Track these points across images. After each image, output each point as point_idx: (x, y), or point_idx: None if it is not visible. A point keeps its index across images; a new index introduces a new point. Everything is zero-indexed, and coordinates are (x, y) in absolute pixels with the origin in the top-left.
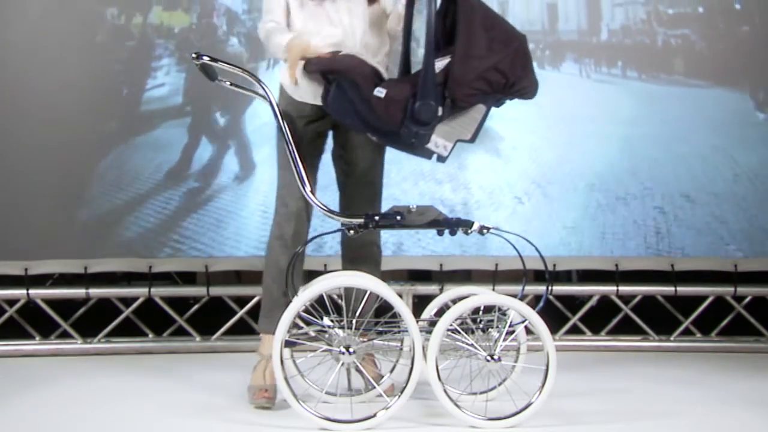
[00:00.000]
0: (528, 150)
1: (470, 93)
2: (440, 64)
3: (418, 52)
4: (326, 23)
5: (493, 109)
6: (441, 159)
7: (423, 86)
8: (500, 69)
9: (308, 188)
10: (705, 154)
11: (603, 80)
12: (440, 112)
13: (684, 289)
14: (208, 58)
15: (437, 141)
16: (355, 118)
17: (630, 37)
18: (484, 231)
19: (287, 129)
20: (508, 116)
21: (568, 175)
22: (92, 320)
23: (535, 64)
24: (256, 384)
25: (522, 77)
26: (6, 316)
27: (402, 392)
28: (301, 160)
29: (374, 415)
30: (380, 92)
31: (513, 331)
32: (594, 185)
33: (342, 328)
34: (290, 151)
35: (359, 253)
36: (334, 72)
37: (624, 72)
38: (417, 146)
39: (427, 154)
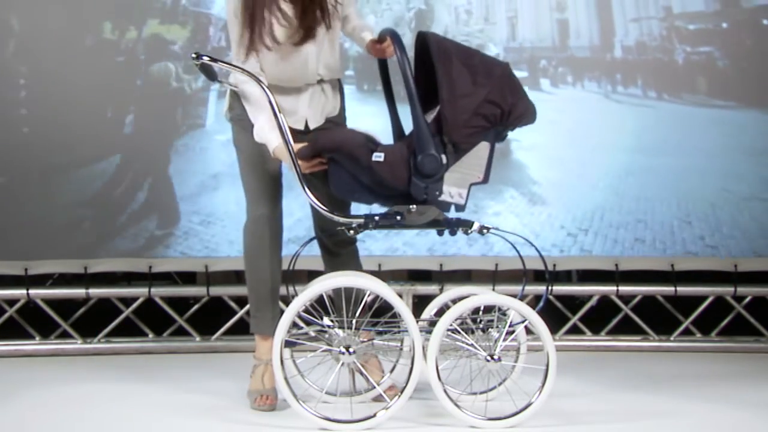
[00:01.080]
0: (555, 187)
1: (469, 133)
2: (432, 115)
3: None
4: (293, 62)
5: (514, 138)
6: (459, 208)
7: (418, 139)
8: (492, 100)
9: (307, 189)
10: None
11: (624, 101)
12: (444, 160)
13: (684, 289)
14: (207, 59)
15: (450, 191)
16: (363, 191)
17: (647, 54)
18: (484, 231)
19: (286, 127)
20: (525, 144)
21: (609, 226)
22: (92, 320)
23: (548, 82)
24: (256, 389)
25: (516, 103)
26: (6, 316)
27: (402, 392)
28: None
29: (374, 415)
30: (379, 156)
31: (513, 331)
32: (645, 241)
33: (342, 328)
34: (290, 150)
35: (340, 254)
36: (327, 150)
37: (644, 92)
38: (431, 201)
39: (445, 207)
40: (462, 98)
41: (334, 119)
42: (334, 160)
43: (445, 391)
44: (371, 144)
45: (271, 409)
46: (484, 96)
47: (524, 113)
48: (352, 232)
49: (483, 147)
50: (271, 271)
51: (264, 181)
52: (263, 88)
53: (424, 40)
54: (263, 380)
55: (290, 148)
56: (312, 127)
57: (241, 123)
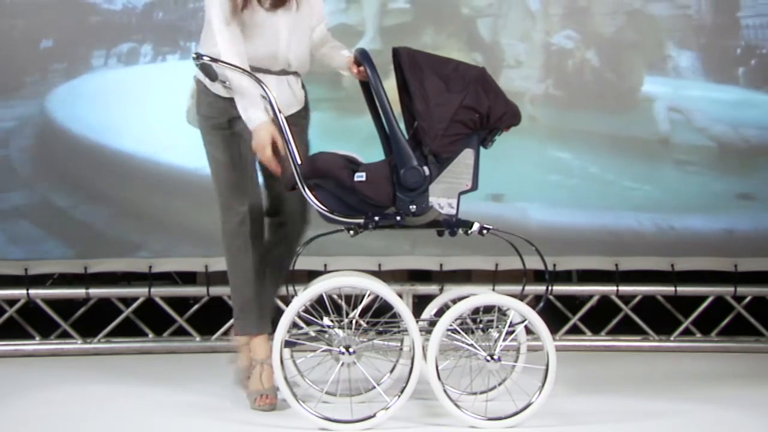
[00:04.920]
0: None
1: (449, 141)
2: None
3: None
4: (265, 37)
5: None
6: (451, 218)
7: (398, 153)
8: (468, 106)
9: (308, 189)
10: None
11: None
12: (427, 172)
13: (684, 289)
14: (208, 58)
15: (440, 202)
16: (350, 211)
17: None
18: (484, 231)
19: (286, 125)
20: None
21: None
22: (92, 320)
23: None
24: (255, 389)
25: (494, 106)
26: (6, 316)
27: (402, 392)
28: (243, 160)
29: (374, 415)
30: (360, 176)
31: (513, 331)
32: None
33: (342, 328)
34: (288, 146)
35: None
36: (309, 177)
37: None
38: (418, 213)
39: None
40: (437, 107)
41: (301, 112)
42: (319, 186)
43: (445, 391)
44: (352, 165)
45: (271, 409)
46: (460, 102)
47: (505, 114)
48: (351, 232)
49: (467, 154)
50: (255, 271)
51: (240, 179)
52: (262, 87)
53: (397, 56)
54: (261, 380)
55: (291, 151)
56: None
57: (210, 121)
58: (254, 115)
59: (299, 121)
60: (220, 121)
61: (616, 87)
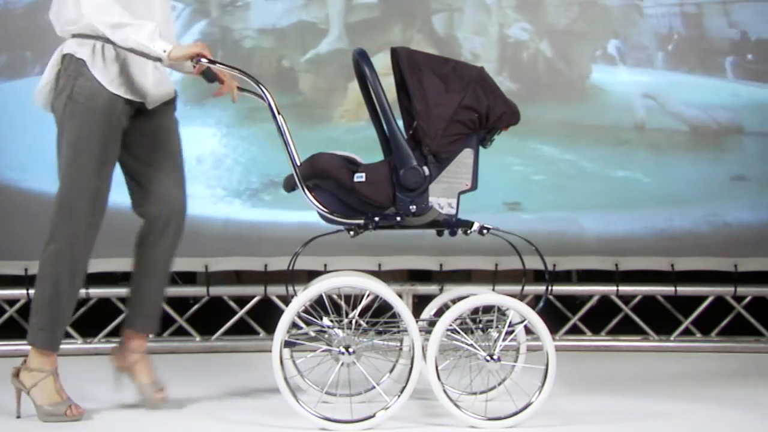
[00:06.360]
0: None
1: (449, 141)
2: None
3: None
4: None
5: None
6: (450, 218)
7: (398, 153)
8: (468, 105)
9: (307, 191)
10: None
11: None
12: (427, 172)
13: (684, 289)
14: (206, 61)
15: (439, 202)
16: (350, 212)
17: None
18: (484, 231)
19: (285, 124)
20: None
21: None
22: (92, 320)
23: None
24: (57, 401)
25: (494, 105)
26: (6, 316)
27: (402, 392)
28: (104, 165)
29: (374, 415)
30: (360, 177)
31: (512, 331)
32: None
33: (342, 328)
34: (287, 147)
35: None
36: (309, 178)
37: None
38: (418, 214)
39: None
40: (436, 107)
41: (173, 102)
42: (318, 186)
43: (444, 391)
44: (351, 165)
45: (81, 416)
46: (459, 102)
47: (504, 114)
48: (351, 233)
49: (467, 154)
50: (78, 289)
51: (102, 190)
52: (262, 88)
53: (395, 56)
54: (58, 391)
55: (290, 152)
56: (151, 106)
57: (86, 98)
58: (160, 45)
59: (166, 117)
60: (104, 114)
61: (567, 76)
